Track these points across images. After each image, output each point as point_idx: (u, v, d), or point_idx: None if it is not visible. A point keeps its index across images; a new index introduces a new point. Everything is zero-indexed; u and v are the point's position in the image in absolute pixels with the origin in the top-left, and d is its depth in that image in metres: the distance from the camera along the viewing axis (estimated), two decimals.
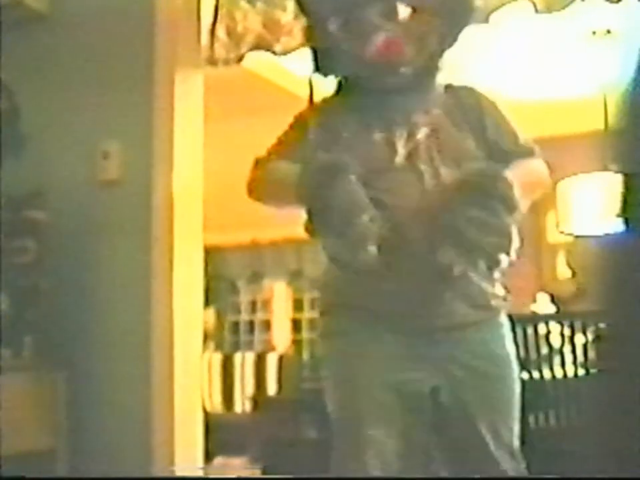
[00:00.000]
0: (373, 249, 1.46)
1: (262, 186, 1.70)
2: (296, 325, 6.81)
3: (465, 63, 1.76)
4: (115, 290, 2.82)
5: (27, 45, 3.01)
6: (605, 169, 3.99)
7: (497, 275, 1.62)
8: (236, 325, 7.22)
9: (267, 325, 7.02)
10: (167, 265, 2.72)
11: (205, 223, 2.86)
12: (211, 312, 6.87)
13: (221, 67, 2.90)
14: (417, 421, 1.61)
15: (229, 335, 7.20)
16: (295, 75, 3.94)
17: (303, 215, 1.52)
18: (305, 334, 6.73)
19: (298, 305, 6.85)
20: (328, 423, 1.66)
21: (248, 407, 5.65)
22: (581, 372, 3.05)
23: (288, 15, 2.76)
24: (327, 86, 1.72)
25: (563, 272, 5.80)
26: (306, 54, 1.70)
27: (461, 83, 1.73)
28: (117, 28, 2.90)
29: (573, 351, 3.05)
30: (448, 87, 1.70)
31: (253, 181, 1.70)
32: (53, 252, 2.84)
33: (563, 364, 3.08)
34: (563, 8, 2.47)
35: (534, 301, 4.84)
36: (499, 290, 1.65)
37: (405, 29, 1.59)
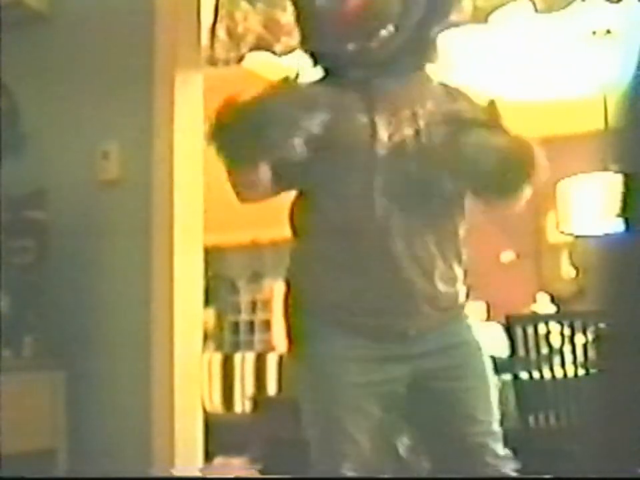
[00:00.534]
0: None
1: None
2: None
3: (465, 63, 1.75)
4: (115, 290, 2.81)
5: (27, 44, 3.01)
6: (605, 168, 3.99)
7: (459, 273, 1.62)
8: (236, 325, 7.21)
9: (267, 325, 7.01)
10: (167, 265, 2.72)
11: (205, 223, 2.86)
12: (211, 312, 6.87)
13: (221, 67, 2.90)
14: (394, 420, 1.61)
15: (229, 335, 7.20)
16: None
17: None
18: None
19: None
20: None
21: (248, 407, 5.64)
22: (581, 372, 3.05)
23: (288, 15, 2.76)
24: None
25: (564, 272, 5.80)
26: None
27: (457, 83, 1.70)
28: (117, 28, 2.90)
29: (573, 351, 3.05)
30: (441, 85, 1.67)
31: (232, 186, 1.62)
32: (53, 252, 2.84)
33: (563, 364, 3.08)
34: (563, 8, 2.46)
35: (534, 300, 4.84)
36: (462, 288, 1.65)
37: None
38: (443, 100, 1.63)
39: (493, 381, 1.65)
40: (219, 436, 3.55)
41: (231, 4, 2.87)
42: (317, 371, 1.61)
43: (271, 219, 2.08)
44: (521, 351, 3.10)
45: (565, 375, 3.09)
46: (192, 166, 2.84)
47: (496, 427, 1.62)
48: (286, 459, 4.22)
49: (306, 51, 1.69)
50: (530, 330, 3.08)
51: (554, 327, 3.12)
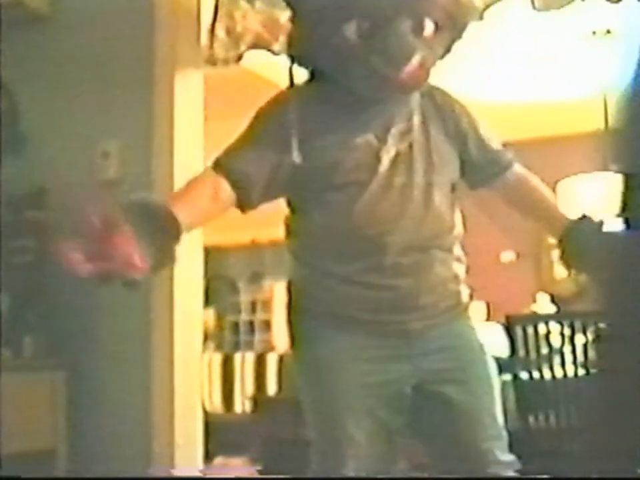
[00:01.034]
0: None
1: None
2: None
3: (464, 63, 1.75)
4: (115, 290, 2.81)
5: (27, 45, 3.01)
6: (605, 168, 3.99)
7: (460, 271, 1.62)
8: (236, 325, 7.22)
9: (266, 325, 7.02)
10: None
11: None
12: (211, 312, 6.87)
13: (221, 67, 2.90)
14: (399, 421, 1.60)
15: (229, 335, 7.21)
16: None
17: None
18: None
19: None
20: None
21: (248, 407, 5.64)
22: (581, 372, 3.05)
23: (287, 14, 2.76)
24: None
25: (563, 272, 5.80)
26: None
27: (446, 86, 1.66)
28: (116, 28, 2.90)
29: (573, 351, 3.05)
30: (431, 89, 1.63)
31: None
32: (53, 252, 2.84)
33: (563, 364, 3.08)
34: (562, 6, 2.46)
35: (534, 301, 4.84)
36: (464, 288, 1.65)
37: (429, 47, 1.45)
38: (433, 108, 1.61)
39: (497, 385, 1.64)
40: (218, 436, 3.55)
41: (230, 3, 2.88)
42: (318, 371, 1.60)
43: (271, 219, 2.08)
44: (521, 351, 3.10)
45: (565, 375, 3.09)
46: (192, 166, 2.84)
47: (502, 432, 1.62)
48: (286, 459, 4.22)
49: (291, 55, 1.63)
50: (530, 330, 3.08)
51: (554, 327, 3.12)
